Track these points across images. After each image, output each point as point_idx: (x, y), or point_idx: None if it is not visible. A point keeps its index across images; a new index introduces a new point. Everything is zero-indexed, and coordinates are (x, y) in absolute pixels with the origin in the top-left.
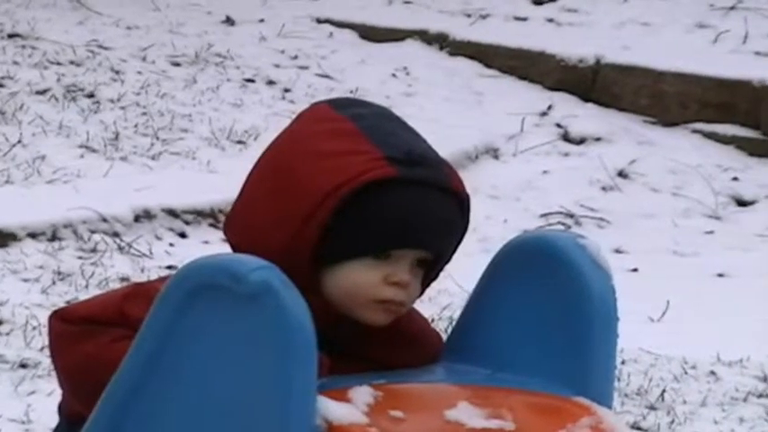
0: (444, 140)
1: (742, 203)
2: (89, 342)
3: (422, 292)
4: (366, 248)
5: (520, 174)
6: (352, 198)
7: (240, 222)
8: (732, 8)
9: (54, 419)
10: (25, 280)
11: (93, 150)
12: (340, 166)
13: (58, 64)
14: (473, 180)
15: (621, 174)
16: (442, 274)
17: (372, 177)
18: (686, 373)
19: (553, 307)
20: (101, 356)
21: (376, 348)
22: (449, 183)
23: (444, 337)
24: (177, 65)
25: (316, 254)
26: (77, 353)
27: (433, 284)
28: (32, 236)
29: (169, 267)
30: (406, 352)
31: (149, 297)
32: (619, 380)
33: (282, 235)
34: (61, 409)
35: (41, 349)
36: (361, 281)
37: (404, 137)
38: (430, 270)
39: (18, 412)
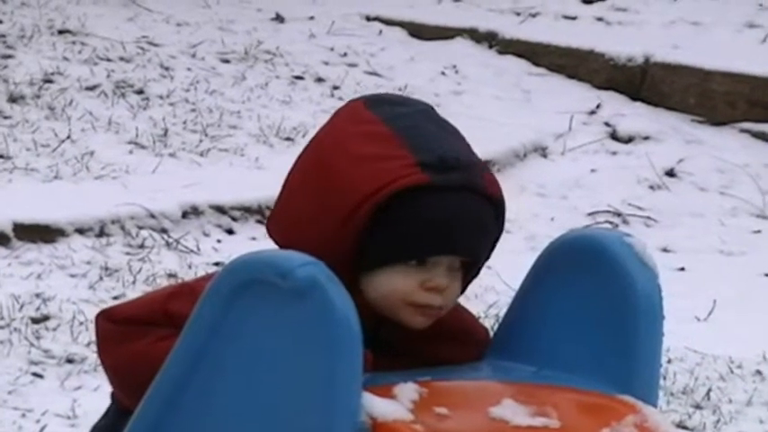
0: (492, 139)
1: None
2: (135, 342)
3: (462, 290)
4: (401, 255)
5: (568, 172)
6: (386, 205)
7: (282, 220)
8: None
9: (99, 414)
10: (73, 275)
11: (142, 146)
12: (373, 173)
13: (108, 60)
14: (521, 178)
15: (669, 173)
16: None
17: (405, 184)
18: (732, 372)
19: (599, 305)
20: (147, 355)
21: (418, 344)
22: (483, 187)
23: (490, 334)
24: (227, 61)
25: (354, 258)
26: (124, 352)
27: (479, 282)
28: (80, 231)
29: (216, 264)
30: (449, 348)
31: (194, 295)
32: (665, 378)
33: (321, 236)
34: (114, 395)
35: (88, 345)
36: (398, 286)
37: (439, 138)
38: (468, 270)
39: (64, 407)
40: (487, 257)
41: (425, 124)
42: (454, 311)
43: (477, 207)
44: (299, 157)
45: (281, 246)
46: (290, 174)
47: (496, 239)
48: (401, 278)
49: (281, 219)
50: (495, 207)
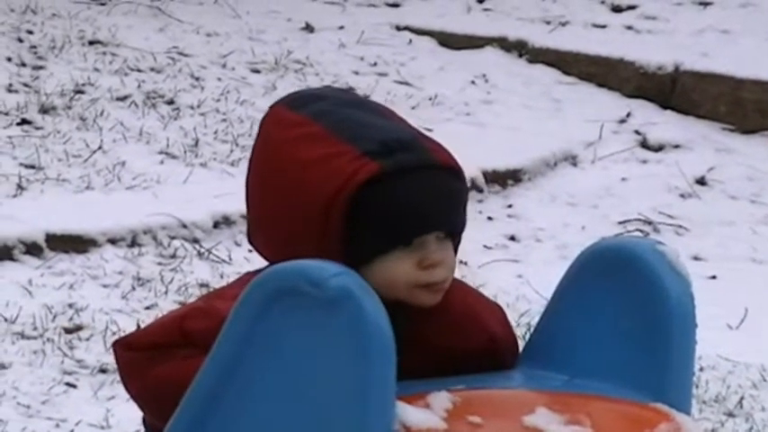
0: (522, 148)
1: None
2: (160, 365)
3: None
4: (387, 244)
5: (598, 181)
6: (354, 201)
7: (264, 237)
8: None
9: (132, 424)
10: (105, 286)
11: (173, 156)
12: (327, 174)
13: (139, 71)
14: (551, 187)
15: (700, 181)
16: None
17: (361, 179)
18: (765, 380)
19: (632, 313)
20: (172, 377)
21: (426, 335)
22: (435, 160)
23: (522, 343)
24: (257, 71)
25: (345, 259)
26: (148, 378)
27: (512, 291)
28: (112, 242)
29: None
30: (456, 337)
31: (208, 314)
32: (697, 387)
33: (307, 247)
34: (145, 420)
35: None
36: (396, 273)
37: (371, 123)
38: (453, 238)
39: (98, 417)
40: (465, 222)
41: (352, 113)
42: (464, 297)
43: (438, 181)
44: (251, 175)
45: (273, 259)
46: (250, 194)
47: (466, 203)
48: (396, 264)
49: (265, 239)
50: (453, 173)
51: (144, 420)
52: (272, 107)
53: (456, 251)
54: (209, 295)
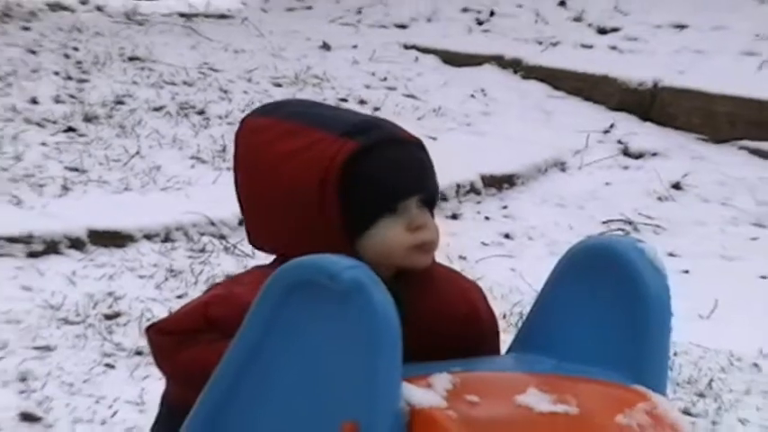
0: (517, 155)
1: None
2: (188, 349)
3: None
4: (377, 210)
5: (584, 185)
6: (342, 178)
7: (270, 237)
8: None
9: None
10: (141, 277)
11: (203, 161)
12: (312, 159)
13: (173, 84)
14: (542, 191)
15: (675, 185)
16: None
17: (345, 155)
18: (732, 364)
19: (614, 304)
20: (199, 359)
21: (421, 297)
22: (401, 134)
23: (514, 330)
24: (279, 85)
25: (345, 233)
26: (181, 359)
27: (506, 284)
28: (148, 237)
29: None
30: (446, 297)
31: (229, 301)
32: (671, 370)
33: (311, 231)
34: (164, 398)
35: None
36: (391, 238)
37: (337, 113)
38: (431, 206)
39: (133, 395)
40: (438, 189)
41: (316, 110)
42: (448, 272)
43: (408, 152)
44: (241, 183)
45: (280, 253)
46: (244, 200)
47: (434, 172)
48: (388, 231)
49: (269, 235)
50: (418, 145)
51: (162, 398)
52: (243, 120)
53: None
54: (228, 282)
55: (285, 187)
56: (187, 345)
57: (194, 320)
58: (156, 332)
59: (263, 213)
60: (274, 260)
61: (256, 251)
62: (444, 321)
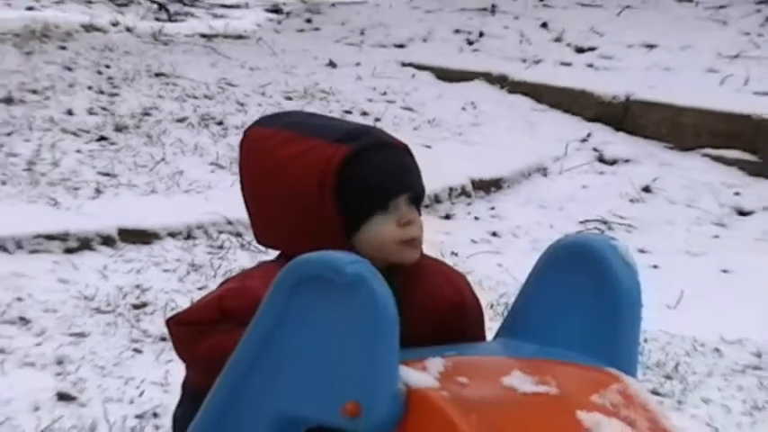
0: (504, 161)
1: (742, 213)
2: (206, 339)
3: None
4: (369, 208)
5: (564, 188)
6: (337, 181)
7: (275, 235)
8: (736, 56)
9: None
10: (165, 270)
11: (221, 167)
12: (310, 163)
13: (195, 98)
14: (526, 193)
15: (646, 189)
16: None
17: (339, 159)
18: (696, 349)
19: (590, 295)
20: (216, 347)
21: (412, 287)
22: (389, 138)
23: (500, 319)
24: (290, 99)
25: (343, 230)
26: (199, 348)
27: (493, 276)
28: (172, 235)
29: None
30: (435, 287)
31: (241, 293)
32: (642, 354)
33: (311, 228)
34: (185, 385)
35: None
36: (383, 233)
37: (329, 123)
38: (418, 204)
39: (159, 376)
40: (424, 188)
41: (310, 120)
42: (436, 264)
43: (399, 153)
44: (246, 187)
45: (288, 251)
46: (251, 203)
47: (420, 173)
48: (380, 227)
49: (275, 234)
50: (404, 149)
51: (183, 384)
52: (246, 130)
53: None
54: (239, 277)
55: (286, 190)
56: (205, 334)
57: (211, 312)
58: (176, 324)
59: (267, 214)
60: (278, 256)
61: (269, 249)
62: (434, 310)
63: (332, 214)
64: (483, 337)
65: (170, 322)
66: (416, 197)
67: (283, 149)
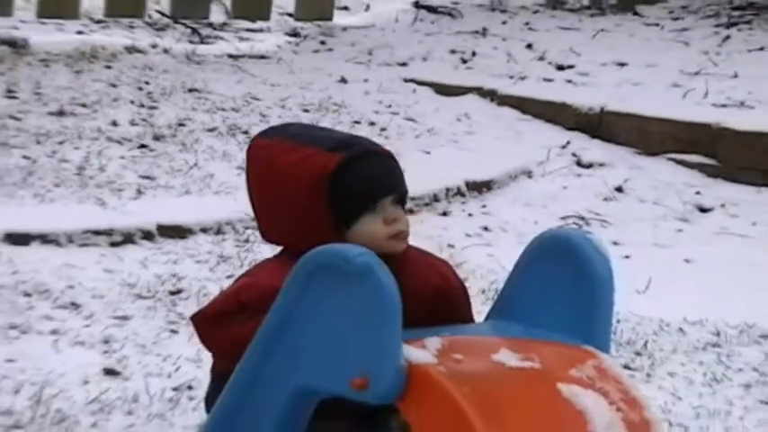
0: (494, 165)
1: (703, 210)
2: (228, 328)
3: None
4: (360, 208)
5: (547, 188)
6: (330, 183)
7: (278, 233)
8: (697, 73)
9: None
10: (198, 261)
11: None
12: (307, 169)
13: (223, 110)
14: (513, 193)
15: (618, 189)
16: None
17: (333, 166)
18: (662, 329)
19: (568, 282)
20: (238, 336)
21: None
22: (376, 147)
23: (490, 303)
24: (306, 111)
25: (335, 228)
26: (221, 338)
27: (485, 266)
28: (204, 230)
29: None
30: (422, 274)
31: (254, 287)
32: (615, 334)
33: (308, 225)
34: (213, 370)
35: None
36: (371, 230)
37: (323, 134)
38: (403, 203)
39: (192, 354)
40: (407, 189)
41: (307, 132)
42: (422, 254)
43: (384, 160)
44: (253, 191)
45: (292, 246)
46: (257, 204)
47: (404, 176)
48: (369, 224)
49: (279, 232)
50: (389, 156)
51: (212, 370)
52: (252, 140)
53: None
54: (250, 273)
55: (286, 193)
56: (225, 325)
57: (229, 305)
58: (200, 319)
59: (270, 214)
60: (281, 251)
61: None
62: (422, 295)
63: (326, 215)
64: (470, 316)
65: (194, 319)
66: (401, 197)
67: (284, 157)
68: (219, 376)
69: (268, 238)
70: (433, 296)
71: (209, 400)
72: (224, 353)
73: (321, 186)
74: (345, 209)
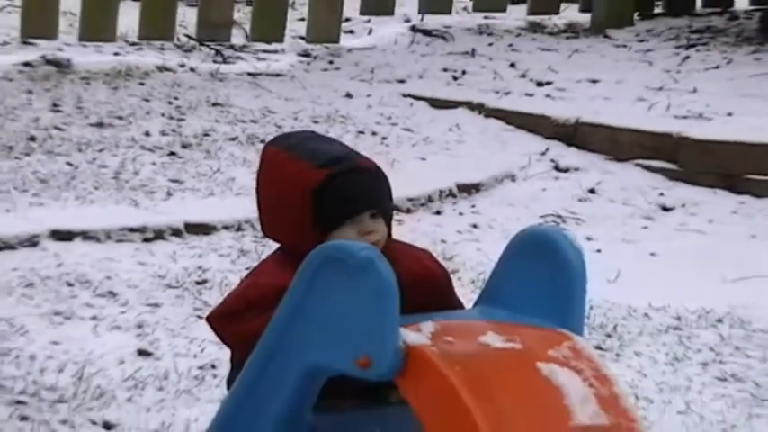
0: (482, 170)
1: (665, 209)
2: (240, 324)
3: (389, 227)
4: (338, 220)
5: (528, 190)
6: (315, 195)
7: (274, 230)
8: (660, 89)
9: None
10: (221, 255)
11: None
12: (296, 182)
13: (243, 122)
14: (499, 195)
15: (591, 191)
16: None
17: (318, 181)
18: (630, 314)
19: (547, 273)
20: (246, 331)
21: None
22: (361, 165)
23: (478, 291)
24: (316, 122)
25: (319, 231)
26: (234, 333)
27: (474, 258)
28: (226, 228)
29: None
30: (405, 266)
31: (258, 285)
32: (588, 318)
33: (297, 230)
34: (231, 360)
35: None
36: (348, 238)
37: (321, 148)
38: (386, 214)
39: (215, 337)
40: (392, 205)
41: (308, 144)
42: (405, 248)
43: (367, 177)
44: (259, 191)
45: (284, 242)
46: (261, 203)
47: (388, 186)
48: (345, 234)
49: (274, 229)
50: (373, 174)
51: (230, 360)
52: (264, 146)
53: (389, 224)
54: (254, 273)
55: (282, 199)
56: (237, 321)
57: (239, 303)
58: (215, 318)
59: (269, 214)
60: (277, 249)
61: None
62: (409, 282)
63: (310, 222)
64: (455, 298)
65: (209, 318)
66: (382, 211)
67: (282, 168)
68: (237, 365)
69: (266, 233)
70: (418, 283)
71: (230, 383)
72: (238, 345)
73: (307, 199)
74: (326, 219)
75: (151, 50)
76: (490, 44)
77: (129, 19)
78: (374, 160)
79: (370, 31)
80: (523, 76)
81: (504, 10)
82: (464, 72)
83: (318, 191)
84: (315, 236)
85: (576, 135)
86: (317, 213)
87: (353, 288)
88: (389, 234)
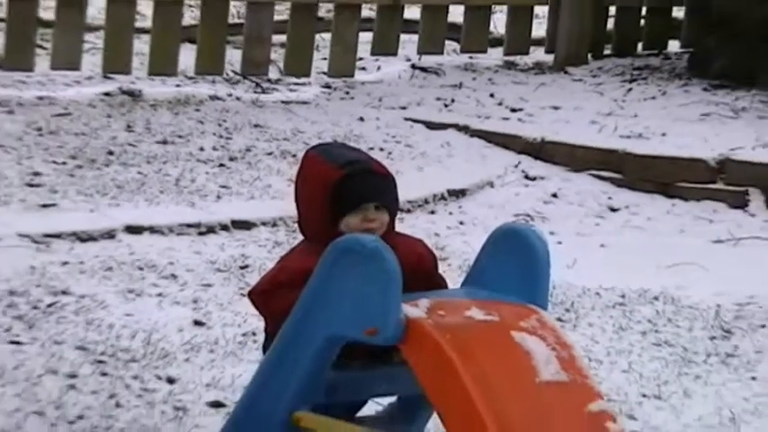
0: (467, 178)
1: (613, 210)
2: (273, 300)
3: (392, 220)
4: (349, 208)
5: (504, 195)
6: (334, 191)
7: (306, 223)
8: (609, 114)
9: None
10: (260, 246)
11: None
12: (321, 179)
13: (278, 140)
14: (481, 199)
15: (554, 195)
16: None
17: (336, 179)
18: (584, 293)
19: (519, 260)
20: (280, 306)
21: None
22: (372, 167)
23: (463, 276)
24: (336, 140)
25: (335, 216)
26: (272, 307)
27: (461, 249)
28: (264, 224)
29: None
30: (401, 253)
31: (286, 269)
32: (551, 296)
33: (321, 220)
34: (265, 330)
35: None
36: (354, 223)
37: (346, 153)
38: (390, 210)
39: (255, 311)
40: (396, 201)
41: (338, 150)
42: (401, 238)
43: (376, 178)
44: (297, 190)
45: (307, 231)
46: (298, 201)
47: (394, 187)
48: (353, 219)
49: (305, 224)
50: (381, 176)
51: (264, 330)
52: (307, 150)
53: (393, 217)
54: (285, 259)
55: (308, 192)
56: (272, 298)
57: (272, 284)
58: (255, 294)
59: (300, 203)
60: (302, 240)
61: None
62: (407, 266)
63: (329, 210)
64: (441, 279)
65: (251, 294)
66: (386, 206)
67: (312, 168)
68: (271, 333)
69: (298, 223)
70: (414, 268)
71: (265, 348)
72: (273, 317)
73: (327, 191)
74: (339, 207)
75: (205, 83)
76: (474, 78)
77: (187, 58)
78: (387, 167)
79: (379, 68)
80: (500, 103)
81: (485, 51)
82: (453, 100)
83: (336, 185)
84: (329, 221)
85: (542, 150)
86: (333, 203)
87: (364, 273)
88: (393, 227)
